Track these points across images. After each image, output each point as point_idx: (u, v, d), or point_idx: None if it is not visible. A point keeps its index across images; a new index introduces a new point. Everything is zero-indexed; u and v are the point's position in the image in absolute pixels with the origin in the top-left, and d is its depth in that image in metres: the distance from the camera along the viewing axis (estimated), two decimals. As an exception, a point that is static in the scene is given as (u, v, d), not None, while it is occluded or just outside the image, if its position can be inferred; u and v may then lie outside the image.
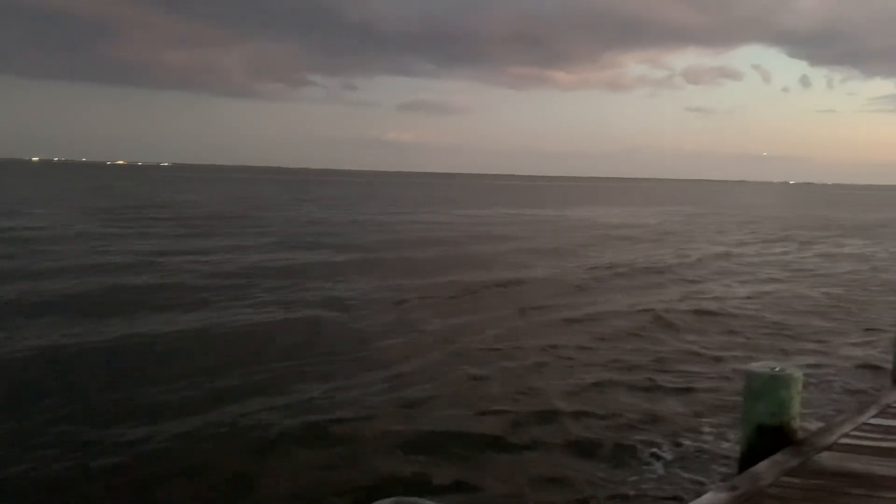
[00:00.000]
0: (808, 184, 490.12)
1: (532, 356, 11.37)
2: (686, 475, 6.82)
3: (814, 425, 6.47)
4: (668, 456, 7.33)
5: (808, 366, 10.32)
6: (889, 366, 8.23)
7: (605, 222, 46.40)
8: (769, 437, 4.97)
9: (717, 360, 11.38)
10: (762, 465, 4.59)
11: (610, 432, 8.02)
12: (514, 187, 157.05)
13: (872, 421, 5.28)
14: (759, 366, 5.19)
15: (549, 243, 30.26)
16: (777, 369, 5.09)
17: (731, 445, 7.20)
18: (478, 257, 24.68)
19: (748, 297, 17.49)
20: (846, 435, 5.08)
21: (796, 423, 5.03)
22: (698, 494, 4.68)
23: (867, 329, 13.94)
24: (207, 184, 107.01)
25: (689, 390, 9.68)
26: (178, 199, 58.44)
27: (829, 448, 4.89)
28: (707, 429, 8.13)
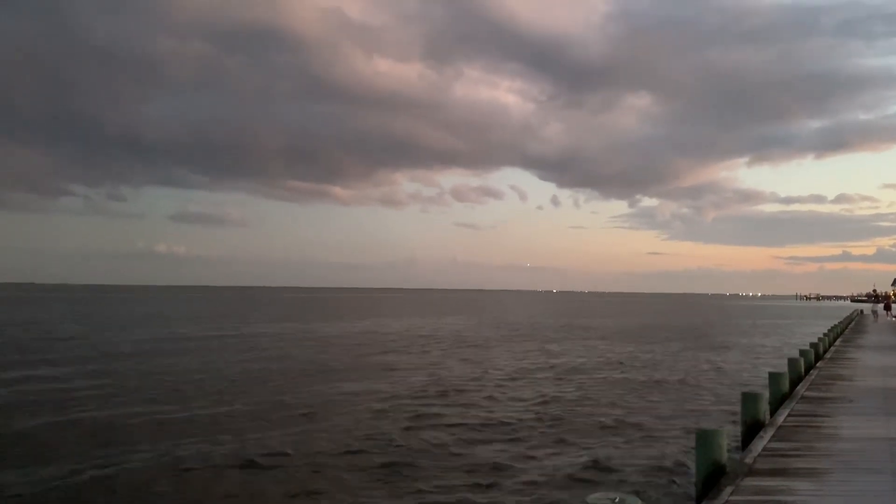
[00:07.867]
0: (569, 292, 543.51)
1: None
2: None
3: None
4: None
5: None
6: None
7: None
8: (613, 575, 4.40)
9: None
10: None
11: None
12: (297, 300, 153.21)
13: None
14: (599, 497, 4.66)
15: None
16: (617, 500, 4.61)
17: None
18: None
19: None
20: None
21: (638, 557, 4.53)
22: None
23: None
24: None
25: None
26: None
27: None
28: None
